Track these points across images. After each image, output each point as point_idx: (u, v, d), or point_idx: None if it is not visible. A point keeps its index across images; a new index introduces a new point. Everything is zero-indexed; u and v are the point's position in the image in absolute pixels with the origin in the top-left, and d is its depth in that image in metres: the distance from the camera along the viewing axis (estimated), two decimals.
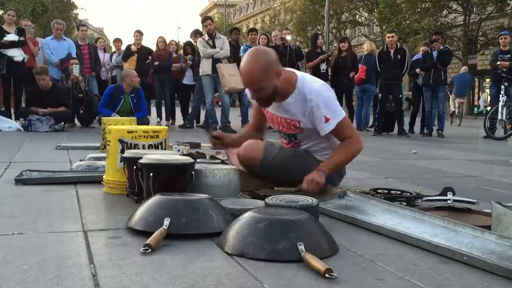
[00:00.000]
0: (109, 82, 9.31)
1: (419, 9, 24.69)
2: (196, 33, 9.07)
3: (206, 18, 8.28)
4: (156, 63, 8.65)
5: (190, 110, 8.94)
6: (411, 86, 9.66)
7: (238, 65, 7.90)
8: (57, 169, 3.05)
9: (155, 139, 2.50)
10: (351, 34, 35.17)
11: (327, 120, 2.33)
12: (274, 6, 46.52)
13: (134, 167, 2.08)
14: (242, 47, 8.49)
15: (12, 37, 7.26)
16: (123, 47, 9.79)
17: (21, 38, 7.35)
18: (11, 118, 7.27)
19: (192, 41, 9.25)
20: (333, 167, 2.40)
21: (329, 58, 8.61)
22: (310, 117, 2.37)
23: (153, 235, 1.55)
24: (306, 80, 2.42)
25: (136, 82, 6.82)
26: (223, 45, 7.77)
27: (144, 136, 2.48)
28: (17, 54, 7.31)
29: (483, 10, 23.72)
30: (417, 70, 8.71)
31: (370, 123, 9.49)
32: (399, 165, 4.24)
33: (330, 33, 27.49)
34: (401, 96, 8.39)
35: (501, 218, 1.76)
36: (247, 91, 2.66)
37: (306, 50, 11.78)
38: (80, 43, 8.56)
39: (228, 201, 1.98)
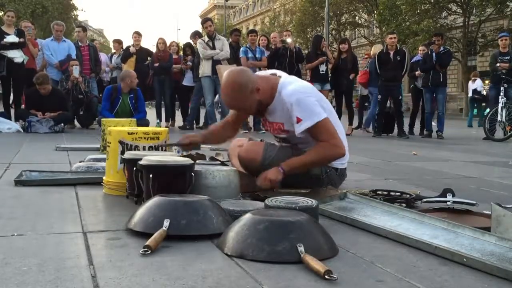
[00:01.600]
0: (109, 83, 9.30)
1: (418, 11, 24.73)
2: (195, 35, 9.08)
3: (206, 20, 8.28)
4: (156, 64, 8.66)
5: (189, 111, 8.94)
6: (410, 88, 9.66)
7: (238, 66, 7.97)
8: (57, 170, 3.05)
9: (155, 140, 2.50)
10: (350, 35, 35.20)
11: (298, 120, 2.34)
12: (274, 8, 46.59)
13: (134, 168, 2.08)
14: (242, 49, 8.50)
15: (12, 38, 7.27)
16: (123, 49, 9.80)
17: (21, 40, 7.36)
18: (10, 119, 7.28)
19: (192, 43, 9.26)
20: (298, 166, 2.37)
21: (328, 60, 8.60)
22: (289, 118, 2.39)
23: (153, 237, 1.55)
24: (286, 83, 2.43)
25: (135, 83, 6.83)
26: (222, 47, 7.78)
27: (145, 138, 2.48)
28: (17, 56, 7.31)
29: (482, 12, 23.74)
30: (417, 72, 8.72)
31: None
32: (398, 166, 4.24)
33: (330, 35, 27.52)
34: (401, 97, 8.39)
35: (500, 219, 1.76)
36: None
37: (306, 51, 11.80)
38: (80, 44, 8.56)
39: (228, 203, 1.98)
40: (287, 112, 2.37)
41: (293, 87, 2.39)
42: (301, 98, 2.35)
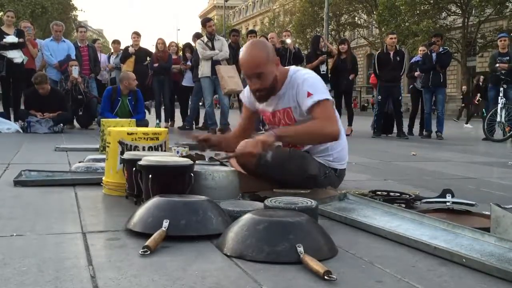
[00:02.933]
0: (107, 84, 9.31)
1: (418, 11, 24.76)
2: (196, 37, 9.09)
3: (208, 19, 8.29)
4: (156, 64, 8.65)
5: (189, 112, 8.94)
6: (409, 89, 9.67)
7: (238, 67, 7.97)
8: (56, 170, 3.05)
9: (155, 141, 2.50)
10: (350, 36, 35.23)
11: (309, 94, 2.33)
12: (274, 8, 46.60)
13: (134, 168, 2.08)
14: (241, 49, 8.49)
15: (11, 38, 7.26)
16: (121, 49, 9.80)
17: (21, 40, 7.36)
18: (10, 120, 7.27)
19: (193, 44, 9.27)
20: (290, 133, 2.30)
21: (330, 53, 8.57)
22: (297, 97, 2.39)
23: (152, 237, 1.55)
24: (298, 69, 2.50)
25: (134, 85, 6.82)
26: (222, 47, 7.78)
27: (144, 138, 2.48)
28: (16, 56, 7.31)
29: (482, 12, 23.78)
30: (416, 73, 8.72)
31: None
32: (398, 167, 4.24)
33: (329, 35, 27.52)
34: (400, 98, 8.40)
35: (500, 220, 1.76)
36: (245, 90, 2.66)
37: (306, 52, 11.81)
38: (79, 44, 8.56)
39: (227, 203, 1.98)
40: (297, 92, 2.38)
41: (306, 71, 2.47)
42: (313, 77, 2.43)
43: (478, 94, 10.00)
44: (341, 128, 2.59)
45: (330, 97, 2.40)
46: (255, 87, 2.39)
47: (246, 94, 2.73)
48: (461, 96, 16.09)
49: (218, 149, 2.77)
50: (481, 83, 9.76)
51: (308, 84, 2.37)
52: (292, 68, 2.50)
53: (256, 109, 2.70)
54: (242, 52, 2.40)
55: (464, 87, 20.65)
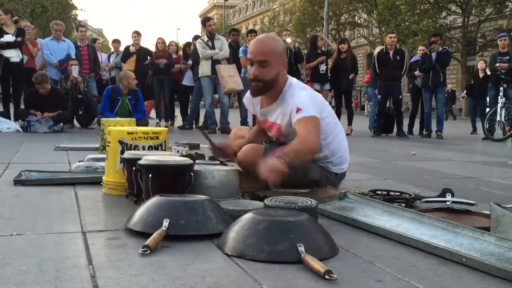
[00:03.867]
0: (108, 83, 9.31)
1: (418, 11, 24.77)
2: (195, 39, 9.08)
3: (208, 18, 8.28)
4: (162, 61, 8.59)
5: (189, 111, 8.94)
6: (409, 88, 9.67)
7: (238, 66, 7.98)
8: (56, 170, 3.05)
9: (155, 140, 2.50)
10: (350, 35, 35.23)
11: (298, 110, 2.31)
12: (274, 8, 46.60)
13: (134, 168, 2.08)
14: (241, 48, 8.50)
15: (8, 38, 7.25)
16: (121, 48, 9.79)
17: (18, 39, 7.32)
18: (10, 119, 7.27)
19: (193, 44, 9.26)
20: (291, 155, 2.20)
21: (330, 51, 8.57)
22: (289, 118, 2.35)
23: (152, 236, 1.55)
24: (293, 85, 2.44)
25: (133, 84, 6.82)
26: (222, 46, 7.77)
27: (144, 138, 2.48)
28: (13, 55, 7.30)
29: (482, 12, 23.78)
30: (416, 72, 8.72)
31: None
32: (398, 166, 4.24)
33: (329, 35, 27.50)
34: (400, 97, 8.40)
35: (500, 219, 1.76)
36: (247, 93, 2.65)
37: (306, 51, 11.80)
38: (79, 44, 8.56)
39: (227, 202, 1.98)
40: (289, 114, 2.34)
41: (298, 94, 2.39)
42: (305, 100, 2.36)
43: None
44: (341, 130, 2.59)
45: (319, 116, 2.34)
46: (255, 74, 2.33)
47: (247, 102, 2.73)
48: (461, 96, 16.05)
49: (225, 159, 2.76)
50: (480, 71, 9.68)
51: (299, 100, 2.33)
52: (288, 82, 2.44)
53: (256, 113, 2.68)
54: (259, 36, 2.48)
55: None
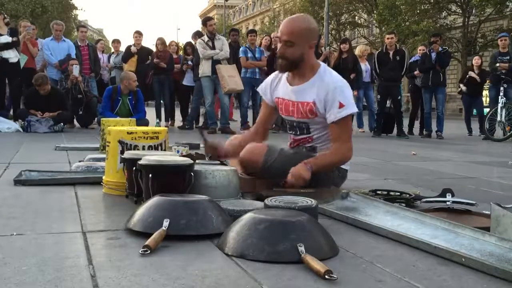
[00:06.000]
0: (108, 84, 9.31)
1: (418, 11, 24.78)
2: (196, 35, 9.08)
3: (209, 18, 8.28)
4: (159, 62, 8.58)
5: (189, 111, 8.94)
6: (409, 88, 9.66)
7: (237, 66, 7.98)
8: (56, 170, 3.05)
9: (155, 140, 2.50)
10: (350, 35, 35.22)
11: (341, 106, 2.39)
12: (274, 8, 46.57)
13: (134, 168, 2.08)
14: (241, 48, 8.50)
15: (4, 39, 7.24)
16: (122, 48, 9.79)
17: (14, 39, 7.32)
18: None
19: (193, 42, 9.26)
20: (321, 167, 2.41)
21: (328, 58, 8.59)
22: (325, 100, 2.41)
23: (152, 236, 1.55)
24: (328, 69, 2.55)
25: (134, 86, 6.81)
26: (222, 46, 7.77)
27: (144, 137, 2.48)
28: (11, 56, 7.30)
29: (482, 12, 23.79)
30: (416, 72, 8.71)
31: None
32: (398, 166, 4.24)
33: (330, 35, 27.51)
34: (400, 97, 8.40)
35: (500, 219, 1.76)
36: (263, 83, 2.72)
37: None
38: (79, 44, 8.56)
39: (228, 202, 1.98)
40: (327, 94, 2.40)
41: (336, 75, 2.52)
42: (345, 86, 2.48)
43: (461, 85, 9.65)
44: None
45: (356, 109, 2.48)
46: (280, 52, 2.46)
47: (263, 86, 2.76)
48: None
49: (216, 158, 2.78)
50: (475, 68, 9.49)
51: (342, 94, 2.41)
52: (322, 65, 2.54)
53: (274, 103, 2.69)
54: (287, 18, 2.54)
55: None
